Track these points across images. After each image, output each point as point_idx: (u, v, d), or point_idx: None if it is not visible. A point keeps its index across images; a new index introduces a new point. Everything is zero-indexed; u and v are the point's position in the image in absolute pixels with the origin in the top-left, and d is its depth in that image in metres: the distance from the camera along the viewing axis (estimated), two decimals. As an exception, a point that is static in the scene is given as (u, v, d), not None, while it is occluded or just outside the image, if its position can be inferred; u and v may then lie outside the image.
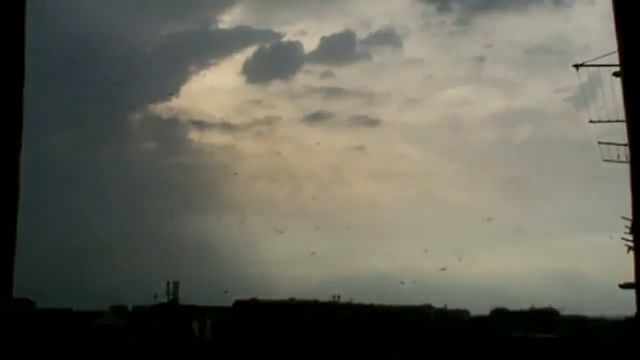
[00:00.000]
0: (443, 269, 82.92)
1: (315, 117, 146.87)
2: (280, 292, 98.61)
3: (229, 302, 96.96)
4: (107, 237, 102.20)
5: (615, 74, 13.92)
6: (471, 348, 52.22)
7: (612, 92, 15.12)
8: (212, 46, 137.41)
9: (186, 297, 79.17)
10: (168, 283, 79.79)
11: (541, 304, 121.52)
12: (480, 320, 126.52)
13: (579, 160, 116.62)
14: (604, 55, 14.79)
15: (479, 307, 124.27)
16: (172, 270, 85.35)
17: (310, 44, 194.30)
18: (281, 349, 63.68)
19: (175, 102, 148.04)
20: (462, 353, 50.05)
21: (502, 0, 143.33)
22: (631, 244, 16.08)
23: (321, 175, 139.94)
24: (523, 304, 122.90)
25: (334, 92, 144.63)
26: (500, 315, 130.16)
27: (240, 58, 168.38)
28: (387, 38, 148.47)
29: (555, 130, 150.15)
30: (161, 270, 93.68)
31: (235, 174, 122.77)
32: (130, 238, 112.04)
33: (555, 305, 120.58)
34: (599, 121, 17.72)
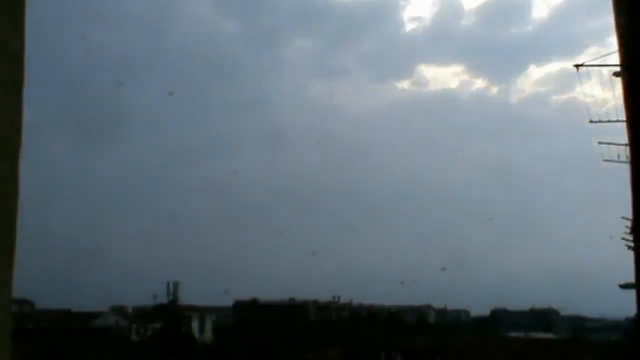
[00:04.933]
0: (443, 269, 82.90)
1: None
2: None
3: (229, 302, 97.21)
4: (107, 237, 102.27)
5: (616, 74, 13.92)
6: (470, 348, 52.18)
7: (612, 92, 15.11)
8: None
9: (186, 297, 79.25)
10: (168, 283, 79.92)
11: (541, 304, 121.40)
12: (480, 320, 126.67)
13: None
14: (604, 56, 14.79)
15: (479, 307, 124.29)
16: (171, 270, 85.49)
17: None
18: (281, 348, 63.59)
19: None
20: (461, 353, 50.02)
21: None
22: (631, 244, 16.08)
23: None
24: (523, 304, 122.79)
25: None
26: (500, 315, 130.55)
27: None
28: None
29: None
30: (161, 270, 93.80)
31: None
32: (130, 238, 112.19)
33: (555, 305, 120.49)
34: (599, 121, 17.69)
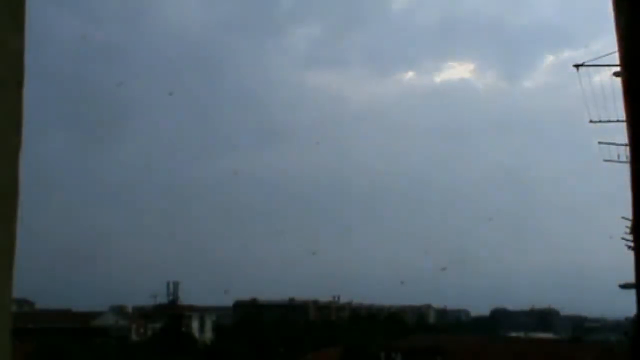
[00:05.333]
0: (443, 269, 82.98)
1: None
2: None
3: (229, 302, 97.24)
4: (107, 237, 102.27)
5: (616, 74, 13.92)
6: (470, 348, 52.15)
7: (612, 92, 15.11)
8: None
9: (186, 297, 79.29)
10: (168, 283, 79.98)
11: (541, 304, 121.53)
12: (480, 320, 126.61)
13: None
14: (604, 55, 14.79)
15: (479, 307, 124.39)
16: (171, 270, 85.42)
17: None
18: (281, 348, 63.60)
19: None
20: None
21: None
22: (631, 244, 16.07)
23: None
24: (523, 304, 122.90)
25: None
26: (500, 315, 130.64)
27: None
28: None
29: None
30: (161, 270, 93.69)
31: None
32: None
33: (555, 305, 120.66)
34: (599, 121, 17.68)
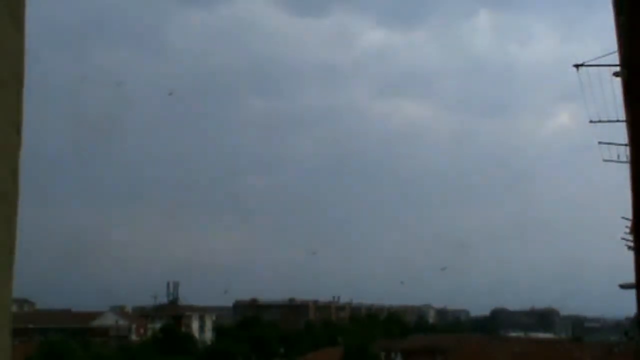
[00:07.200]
0: (443, 269, 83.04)
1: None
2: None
3: (229, 302, 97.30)
4: (107, 237, 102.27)
5: (616, 74, 13.92)
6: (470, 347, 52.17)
7: (612, 92, 15.10)
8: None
9: (186, 297, 79.33)
10: (168, 283, 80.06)
11: (541, 304, 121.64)
12: (480, 320, 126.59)
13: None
14: (604, 55, 14.78)
15: (479, 307, 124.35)
16: (171, 270, 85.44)
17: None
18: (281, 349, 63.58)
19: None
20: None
21: None
22: (631, 244, 16.09)
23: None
24: (523, 304, 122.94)
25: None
26: (500, 315, 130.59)
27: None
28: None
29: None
30: (161, 270, 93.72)
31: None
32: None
33: (555, 305, 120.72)
34: (599, 121, 17.66)
